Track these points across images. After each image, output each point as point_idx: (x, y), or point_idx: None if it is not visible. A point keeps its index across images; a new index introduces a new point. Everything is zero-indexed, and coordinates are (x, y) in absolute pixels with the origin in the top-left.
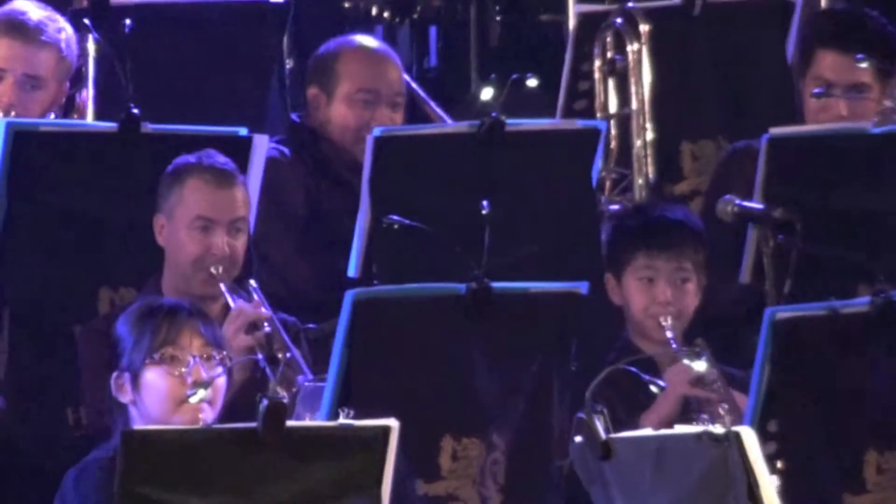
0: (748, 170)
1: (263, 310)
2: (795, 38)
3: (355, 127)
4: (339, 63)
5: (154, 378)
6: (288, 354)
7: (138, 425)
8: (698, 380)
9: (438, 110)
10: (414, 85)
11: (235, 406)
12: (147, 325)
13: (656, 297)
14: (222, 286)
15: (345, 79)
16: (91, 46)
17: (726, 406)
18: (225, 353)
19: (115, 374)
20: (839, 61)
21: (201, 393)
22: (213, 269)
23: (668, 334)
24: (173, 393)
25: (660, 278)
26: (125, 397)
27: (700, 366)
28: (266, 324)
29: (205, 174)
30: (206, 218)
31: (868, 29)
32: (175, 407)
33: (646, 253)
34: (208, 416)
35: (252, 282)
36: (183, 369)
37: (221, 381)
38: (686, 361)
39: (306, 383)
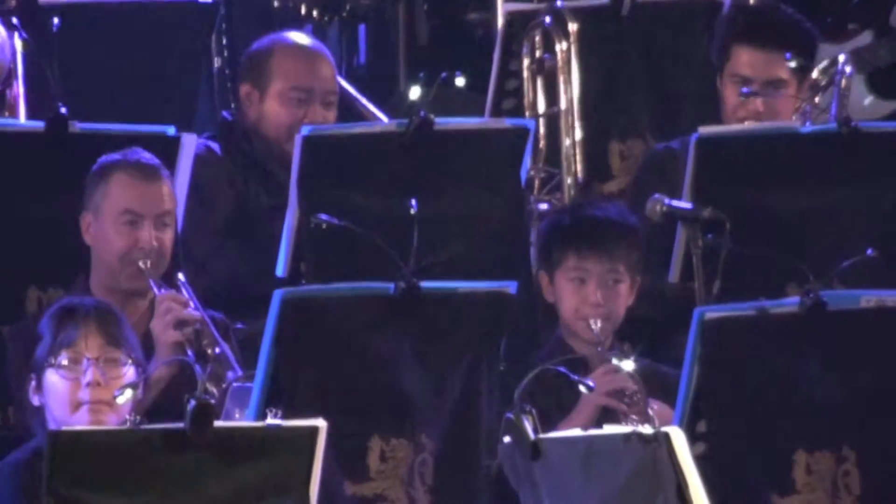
0: (668, 172)
1: (192, 310)
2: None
3: (288, 124)
4: (273, 60)
5: (53, 380)
6: (217, 350)
7: (52, 426)
8: (618, 392)
9: (372, 108)
10: (346, 84)
11: (164, 402)
12: (50, 327)
13: (587, 298)
14: (150, 281)
15: (278, 76)
16: (19, 44)
17: (655, 407)
18: (133, 354)
19: (31, 376)
20: (756, 57)
21: (128, 393)
22: (141, 264)
23: (596, 336)
24: (69, 396)
25: (591, 279)
26: (35, 399)
27: (628, 365)
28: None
29: (130, 169)
30: (132, 212)
31: (784, 24)
32: (72, 410)
33: (577, 254)
34: (111, 419)
35: (180, 276)
36: (81, 372)
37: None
38: (615, 361)
39: (235, 383)
